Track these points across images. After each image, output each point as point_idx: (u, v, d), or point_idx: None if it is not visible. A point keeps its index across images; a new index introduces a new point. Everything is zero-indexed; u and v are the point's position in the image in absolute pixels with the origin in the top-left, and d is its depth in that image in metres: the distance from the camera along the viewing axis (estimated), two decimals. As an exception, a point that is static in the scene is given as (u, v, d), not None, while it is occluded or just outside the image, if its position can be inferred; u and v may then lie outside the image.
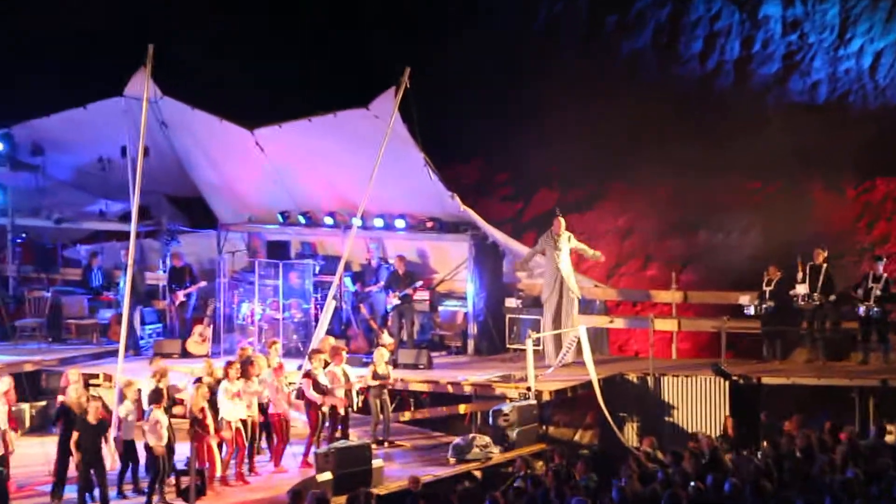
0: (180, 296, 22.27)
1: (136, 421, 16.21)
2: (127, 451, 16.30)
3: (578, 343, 19.24)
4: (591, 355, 18.98)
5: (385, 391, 18.32)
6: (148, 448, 15.75)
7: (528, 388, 18.43)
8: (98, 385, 19.99)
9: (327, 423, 17.50)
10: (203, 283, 22.48)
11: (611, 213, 25.54)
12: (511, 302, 21.72)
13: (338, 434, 17.49)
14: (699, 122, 24.59)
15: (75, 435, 15.51)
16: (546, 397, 18.69)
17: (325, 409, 17.41)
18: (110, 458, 16.00)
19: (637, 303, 23.68)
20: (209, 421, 16.06)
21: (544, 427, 19.02)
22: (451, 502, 14.73)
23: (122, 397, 16.46)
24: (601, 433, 19.82)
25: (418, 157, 20.39)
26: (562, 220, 20.41)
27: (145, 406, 16.17)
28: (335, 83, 24.93)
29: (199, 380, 17.02)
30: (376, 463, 16.32)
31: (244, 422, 16.64)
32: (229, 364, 16.79)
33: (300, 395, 17.72)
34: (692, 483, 13.46)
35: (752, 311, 20.20)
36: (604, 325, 21.35)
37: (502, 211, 25.99)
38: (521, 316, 21.43)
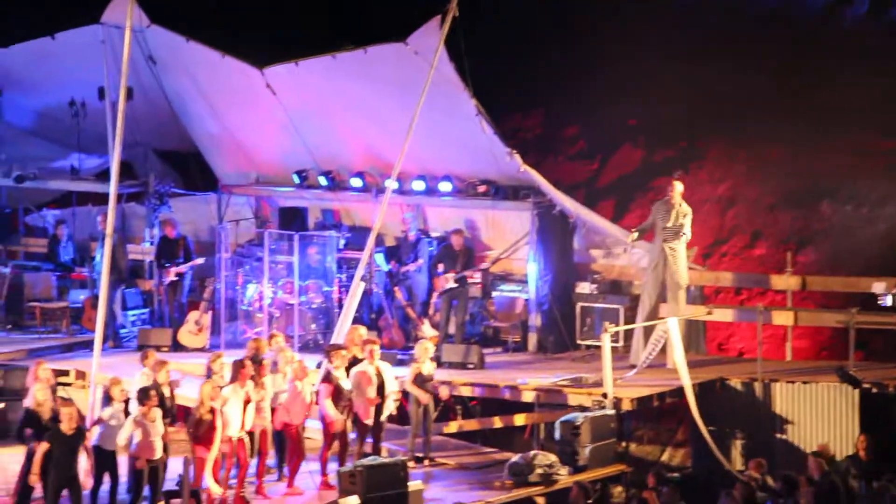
0: (171, 274, 22.16)
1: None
2: (104, 464, 16.14)
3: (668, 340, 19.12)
4: (684, 355, 18.87)
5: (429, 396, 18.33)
6: (132, 464, 15.90)
7: (605, 395, 18.36)
8: (69, 384, 20.18)
9: (353, 434, 17.45)
10: (199, 260, 22.41)
11: (709, 179, 25.29)
12: (584, 287, 21.72)
13: (367, 448, 17.50)
14: (823, 64, 24.32)
15: (44, 447, 15.42)
16: (626, 406, 18.57)
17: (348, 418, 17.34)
18: (87, 476, 15.89)
19: (742, 290, 23.57)
20: (218, 426, 16.03)
21: (624, 444, 18.93)
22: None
23: (108, 399, 16.40)
24: (695, 453, 19.80)
25: (469, 104, 20.33)
26: (677, 184, 20.21)
27: (132, 409, 16.18)
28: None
29: (208, 375, 17.11)
30: (413, 485, 16.29)
31: (250, 433, 16.71)
32: (239, 364, 16.72)
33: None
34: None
35: (888, 301, 19.86)
36: (700, 317, 20.98)
37: (573, 173, 25.96)
38: (595, 305, 21.43)
